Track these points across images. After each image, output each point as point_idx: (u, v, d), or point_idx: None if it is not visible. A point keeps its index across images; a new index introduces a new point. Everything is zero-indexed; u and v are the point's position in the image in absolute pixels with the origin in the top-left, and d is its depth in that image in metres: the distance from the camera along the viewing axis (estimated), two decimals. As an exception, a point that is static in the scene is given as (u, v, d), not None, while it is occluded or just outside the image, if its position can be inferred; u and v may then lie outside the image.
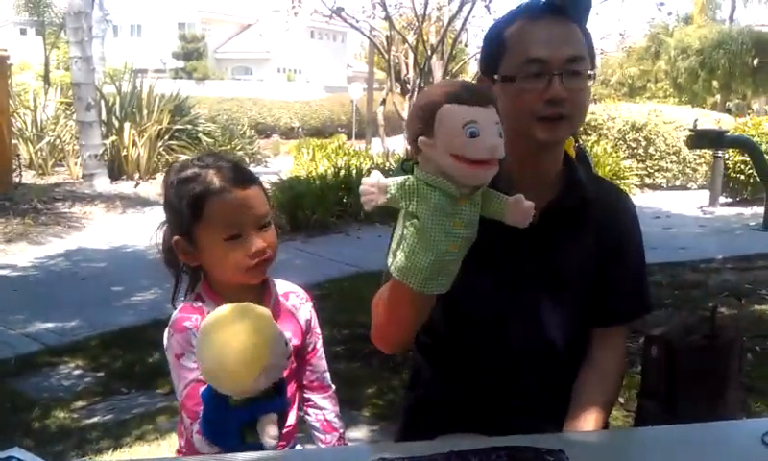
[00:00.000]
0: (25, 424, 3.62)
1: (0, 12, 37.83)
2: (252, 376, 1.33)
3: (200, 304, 1.57)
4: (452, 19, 11.95)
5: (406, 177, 1.22)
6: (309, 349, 1.68)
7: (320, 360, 1.71)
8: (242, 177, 1.55)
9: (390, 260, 1.26)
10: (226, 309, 1.38)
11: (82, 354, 4.61)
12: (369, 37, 14.18)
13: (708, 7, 32.46)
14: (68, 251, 7.97)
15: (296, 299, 1.69)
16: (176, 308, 1.63)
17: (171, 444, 3.27)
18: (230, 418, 1.36)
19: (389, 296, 1.36)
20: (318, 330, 1.71)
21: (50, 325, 5.26)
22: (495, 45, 1.56)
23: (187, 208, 1.52)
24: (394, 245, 1.26)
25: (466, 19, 11.61)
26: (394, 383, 3.96)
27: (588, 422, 1.52)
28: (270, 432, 1.38)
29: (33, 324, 5.27)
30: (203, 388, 1.46)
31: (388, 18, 11.97)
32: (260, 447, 1.36)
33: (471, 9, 11.20)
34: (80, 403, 3.89)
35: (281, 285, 1.68)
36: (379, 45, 13.70)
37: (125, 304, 5.85)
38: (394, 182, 1.22)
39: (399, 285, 1.25)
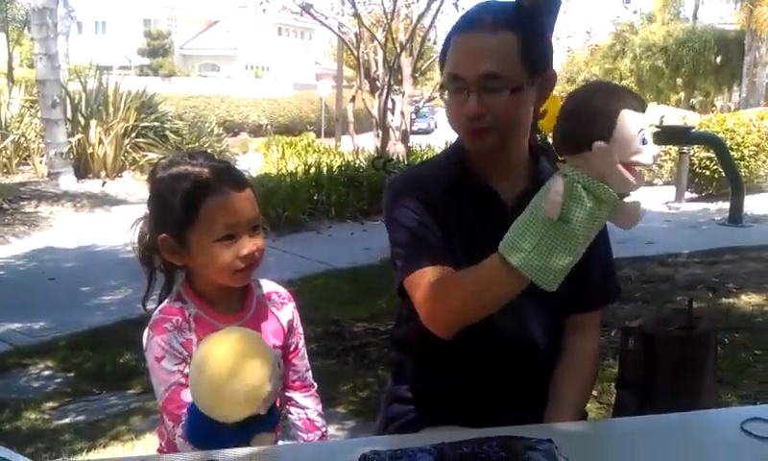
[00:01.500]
0: (-5, 426, 3.57)
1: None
2: (253, 409, 1.32)
3: (180, 305, 1.54)
4: (421, 16, 12.00)
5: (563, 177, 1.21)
6: (291, 349, 1.67)
7: (301, 360, 1.70)
8: (237, 178, 1.52)
9: (518, 257, 1.24)
10: (222, 344, 1.33)
11: (51, 355, 4.56)
12: (338, 34, 14.16)
13: (670, 4, 32.87)
14: (35, 250, 7.87)
15: (278, 299, 1.67)
16: (146, 309, 1.60)
17: (146, 444, 3.25)
18: (223, 438, 1.34)
19: (489, 283, 1.35)
20: (300, 330, 1.69)
21: (18, 325, 5.19)
22: (443, 53, 1.59)
23: (180, 206, 1.48)
24: (519, 240, 1.25)
25: (434, 16, 11.67)
26: (369, 380, 3.97)
27: (567, 406, 1.55)
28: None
29: (1, 324, 5.19)
30: (184, 392, 1.44)
31: (357, 15, 11.98)
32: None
33: (440, 6, 11.26)
34: (51, 404, 3.84)
35: (264, 285, 1.66)
36: (348, 42, 13.69)
37: (94, 304, 5.79)
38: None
39: (513, 277, 1.27)
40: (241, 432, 1.35)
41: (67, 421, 3.66)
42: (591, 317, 1.68)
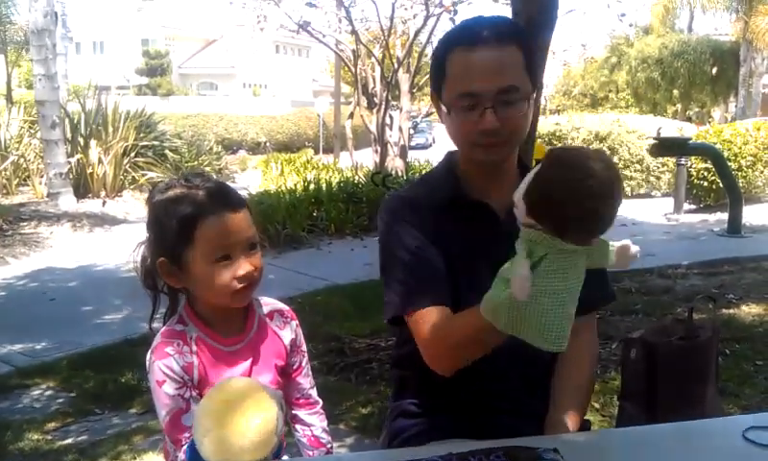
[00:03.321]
0: (-2, 446, 3.56)
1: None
2: (260, 458, 1.30)
3: (182, 328, 1.54)
4: (418, 33, 12.05)
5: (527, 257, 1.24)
6: (294, 367, 1.67)
7: (305, 377, 1.70)
8: (232, 199, 1.52)
9: (501, 324, 1.28)
10: (226, 404, 1.31)
11: (53, 375, 4.55)
12: (335, 51, 14.22)
13: (665, 17, 33.04)
14: (36, 271, 7.87)
15: (280, 319, 1.66)
16: (152, 330, 1.59)
17: (149, 463, 3.25)
18: None
19: (481, 331, 1.36)
20: (303, 348, 1.69)
21: (19, 346, 5.19)
22: (437, 69, 1.59)
23: (176, 229, 1.48)
24: (498, 311, 1.28)
25: (431, 32, 11.72)
26: (371, 396, 3.97)
27: (569, 405, 1.56)
28: None
29: (2, 345, 5.19)
30: (185, 417, 1.45)
31: (354, 32, 12.03)
32: None
33: (437, 22, 11.32)
34: (53, 425, 3.84)
35: (265, 304, 1.66)
36: (345, 59, 13.75)
37: (95, 324, 5.79)
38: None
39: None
40: None
41: (70, 441, 3.65)
42: (587, 320, 1.67)
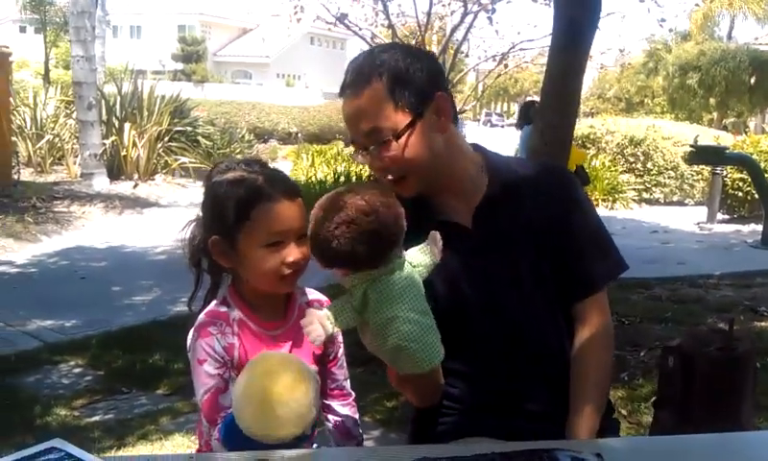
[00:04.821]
0: (26, 421, 3.61)
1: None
2: (297, 432, 1.34)
3: (225, 309, 1.57)
4: (455, 29, 11.98)
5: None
6: (330, 357, 1.69)
7: (340, 368, 1.72)
8: (289, 187, 1.57)
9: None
10: (268, 371, 1.35)
11: (81, 353, 4.60)
12: (371, 45, 14.20)
13: (704, 23, 32.59)
14: (67, 249, 7.97)
15: (320, 308, 1.67)
16: (191, 310, 1.63)
17: (174, 444, 3.27)
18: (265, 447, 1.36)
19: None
20: (340, 339, 1.71)
21: (49, 322, 5.26)
22: None
23: (234, 210, 1.51)
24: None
25: (468, 30, 11.64)
26: (395, 390, 3.96)
27: (590, 384, 1.56)
28: None
29: (32, 321, 5.26)
30: (222, 396, 1.48)
31: (391, 26, 11.99)
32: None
33: (473, 20, 11.24)
34: (80, 402, 3.88)
35: (307, 293, 1.69)
36: (381, 53, 13.71)
37: (124, 304, 5.85)
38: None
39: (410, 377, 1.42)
40: (281, 446, 1.36)
41: (97, 418, 3.69)
42: (594, 302, 1.65)
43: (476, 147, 1.69)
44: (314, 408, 1.35)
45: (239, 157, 14.72)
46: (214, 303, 1.61)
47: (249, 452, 1.29)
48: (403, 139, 1.51)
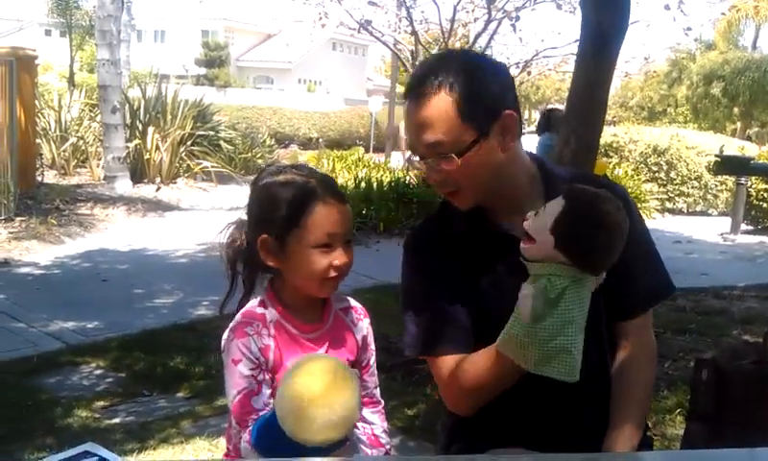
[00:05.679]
0: (47, 422, 3.62)
1: (25, 14, 38.30)
2: (341, 436, 1.34)
3: (262, 310, 1.58)
4: (478, 36, 11.98)
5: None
6: (363, 364, 1.69)
7: (371, 376, 1.71)
8: (340, 193, 1.60)
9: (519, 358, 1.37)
10: (315, 373, 1.34)
11: (103, 355, 4.62)
12: (394, 51, 14.22)
13: (729, 33, 32.33)
14: (89, 252, 8.02)
15: (354, 314, 1.70)
16: (222, 313, 1.65)
17: (195, 448, 3.27)
18: (303, 452, 1.34)
19: (502, 375, 1.45)
20: (372, 347, 1.72)
21: (71, 324, 5.28)
22: None
23: (288, 210, 1.54)
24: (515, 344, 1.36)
25: (491, 37, 11.65)
26: (417, 397, 3.95)
27: (629, 429, 1.50)
28: None
29: (54, 323, 5.29)
30: (255, 399, 1.48)
31: (414, 33, 12.01)
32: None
33: (497, 27, 11.24)
34: (101, 403, 3.89)
35: (342, 300, 1.70)
36: (403, 59, 13.74)
37: (146, 307, 5.87)
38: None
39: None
40: (319, 453, 1.35)
41: (117, 420, 3.70)
42: (644, 320, 1.63)
43: (533, 157, 1.65)
44: (357, 412, 1.35)
45: (260, 161, 14.86)
46: (251, 304, 1.62)
47: (278, 459, 1.28)
48: (465, 157, 1.48)
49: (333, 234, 1.54)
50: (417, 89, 1.50)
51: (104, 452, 1.13)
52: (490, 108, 1.49)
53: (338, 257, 1.54)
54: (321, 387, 1.30)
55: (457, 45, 13.35)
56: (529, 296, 1.30)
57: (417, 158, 1.55)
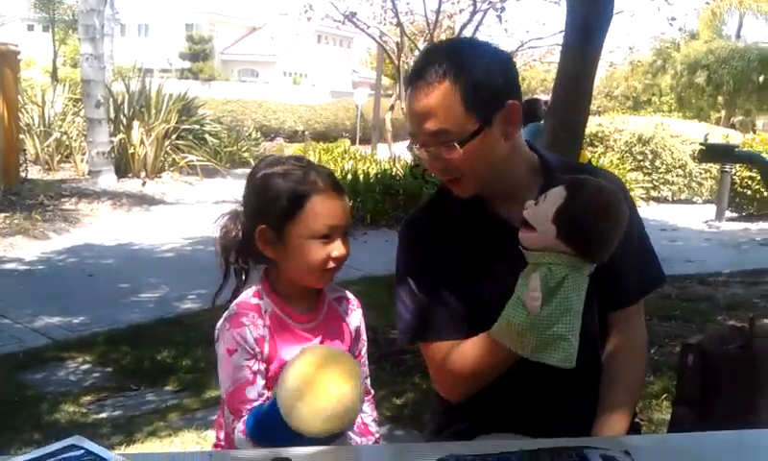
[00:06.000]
0: (34, 417, 3.60)
1: (7, 9, 37.98)
2: (345, 428, 1.37)
3: (257, 301, 1.59)
4: (464, 28, 11.97)
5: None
6: (355, 354, 1.68)
7: (362, 366, 1.71)
8: (340, 186, 1.60)
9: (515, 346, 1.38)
10: (327, 366, 1.34)
11: (89, 350, 4.60)
12: (379, 43, 14.19)
13: (713, 22, 32.46)
14: (75, 247, 7.98)
15: (347, 305, 1.71)
16: (214, 305, 1.65)
17: (184, 440, 3.27)
18: (302, 442, 1.34)
19: (495, 363, 1.46)
20: (364, 337, 1.73)
21: (57, 319, 5.26)
22: None
23: (288, 200, 1.54)
24: (512, 333, 1.37)
25: (476, 28, 11.63)
26: (405, 387, 3.96)
27: (618, 413, 1.51)
28: None
29: (40, 318, 5.26)
30: (249, 389, 1.48)
31: (399, 24, 11.99)
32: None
33: (482, 18, 11.24)
34: (88, 398, 3.87)
35: (335, 291, 1.71)
36: (389, 51, 13.72)
37: (132, 302, 5.84)
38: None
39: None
40: (315, 442, 1.35)
41: (105, 415, 3.69)
42: (637, 308, 1.64)
43: (532, 146, 1.65)
44: (360, 405, 1.36)
45: (246, 155, 14.80)
46: (245, 294, 1.62)
47: (268, 450, 1.28)
48: (467, 146, 1.47)
49: (333, 226, 1.55)
50: (420, 77, 1.48)
51: (90, 445, 1.12)
52: (493, 97, 1.48)
53: (336, 249, 1.55)
54: (327, 378, 1.31)
55: (443, 37, 13.34)
56: (537, 288, 1.30)
57: (417, 146, 1.53)
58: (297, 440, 1.32)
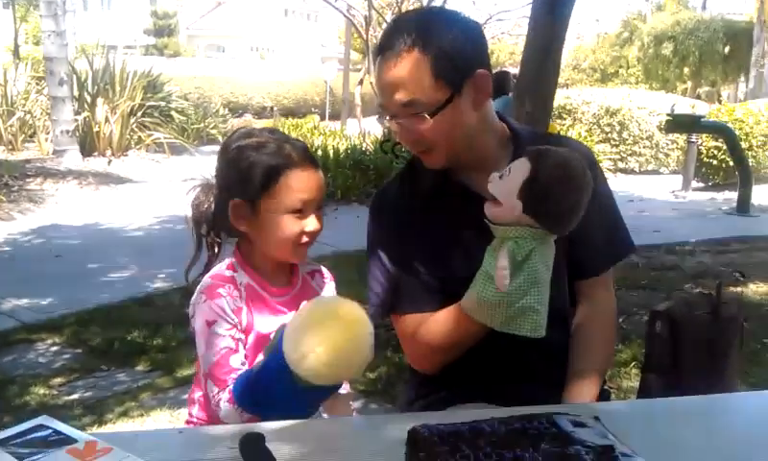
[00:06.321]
0: (4, 400, 3.56)
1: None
2: (357, 376, 1.37)
3: (231, 273, 1.57)
4: (431, 0, 11.92)
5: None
6: None
7: None
8: (314, 159, 1.59)
9: (483, 318, 1.39)
10: (358, 319, 1.30)
11: (58, 332, 4.54)
12: (347, 16, 14.09)
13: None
14: (41, 227, 7.86)
15: (320, 278, 1.71)
16: (188, 279, 1.63)
17: (156, 420, 3.25)
18: (298, 399, 1.33)
19: (465, 335, 1.47)
20: None
21: (25, 301, 5.18)
22: None
23: (262, 174, 1.51)
24: (481, 307, 1.37)
25: (445, 1, 11.58)
26: (377, 361, 3.96)
27: (588, 379, 1.53)
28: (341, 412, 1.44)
29: (7, 300, 5.18)
30: (233, 357, 1.47)
31: (366, -3, 11.92)
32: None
33: (450, -10, 11.18)
34: (59, 380, 3.83)
35: (308, 264, 1.70)
36: (357, 25, 13.62)
37: (101, 282, 5.78)
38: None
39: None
40: (318, 393, 1.35)
41: (76, 396, 3.65)
42: (606, 276, 1.66)
43: (502, 118, 1.64)
44: (370, 350, 1.32)
45: (214, 131, 14.64)
46: (218, 267, 1.60)
47: (238, 426, 1.27)
48: (438, 116, 1.46)
49: (307, 201, 1.53)
50: (388, 48, 1.46)
51: (58, 425, 1.10)
52: (463, 66, 1.47)
53: (310, 224, 1.54)
54: (341, 322, 1.28)
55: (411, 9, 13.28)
56: (505, 265, 1.29)
57: (388, 118, 1.52)
58: (293, 397, 1.30)
